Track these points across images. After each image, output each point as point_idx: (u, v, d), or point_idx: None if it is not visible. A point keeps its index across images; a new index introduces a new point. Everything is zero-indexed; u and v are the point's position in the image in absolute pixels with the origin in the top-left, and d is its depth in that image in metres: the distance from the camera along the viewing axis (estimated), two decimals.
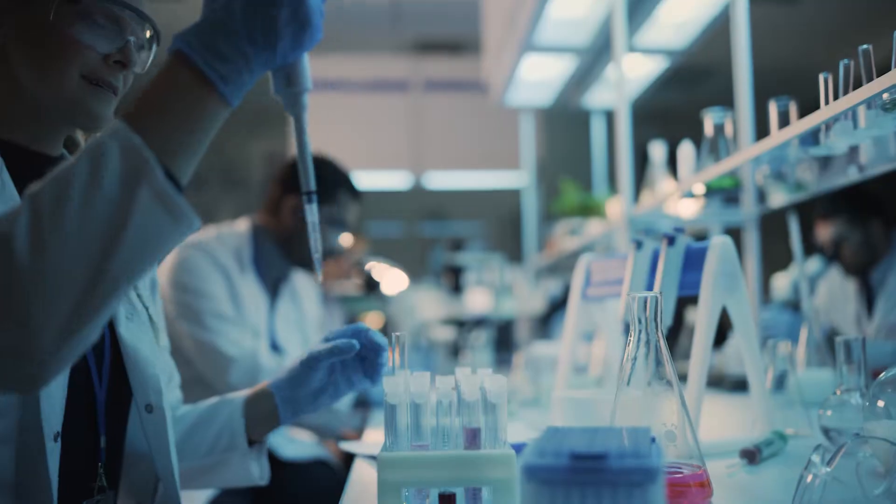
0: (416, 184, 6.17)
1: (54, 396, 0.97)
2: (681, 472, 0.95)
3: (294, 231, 2.27)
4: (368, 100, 6.01)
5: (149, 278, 1.27)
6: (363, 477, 1.26)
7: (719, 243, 1.32)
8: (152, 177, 0.78)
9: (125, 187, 0.77)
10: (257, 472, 1.27)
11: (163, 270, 2.15)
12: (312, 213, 0.95)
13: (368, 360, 1.20)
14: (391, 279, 3.96)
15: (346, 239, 2.39)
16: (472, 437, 0.88)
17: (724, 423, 1.75)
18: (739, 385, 2.39)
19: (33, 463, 0.95)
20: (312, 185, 0.95)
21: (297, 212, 2.27)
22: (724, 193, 2.32)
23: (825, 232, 3.08)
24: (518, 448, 1.26)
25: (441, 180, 6.29)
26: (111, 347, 1.12)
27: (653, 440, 0.79)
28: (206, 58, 0.80)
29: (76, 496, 1.06)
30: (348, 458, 2.56)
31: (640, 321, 0.98)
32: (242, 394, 1.27)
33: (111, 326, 1.12)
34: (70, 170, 0.77)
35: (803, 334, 2.05)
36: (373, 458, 1.34)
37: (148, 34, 1.08)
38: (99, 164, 0.77)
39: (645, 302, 0.97)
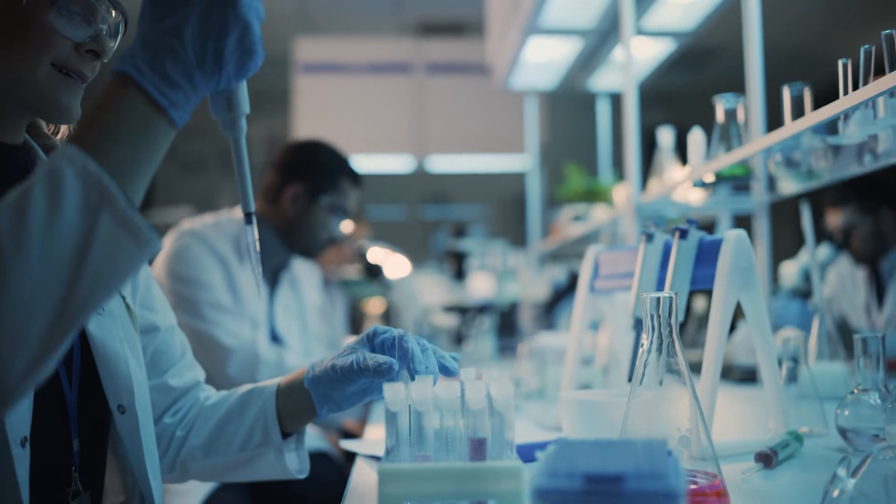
0: (419, 167, 6.11)
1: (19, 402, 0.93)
2: (696, 482, 0.91)
3: (294, 219, 2.23)
4: (371, 83, 5.94)
5: None
6: (364, 478, 1.22)
7: (734, 237, 1.27)
8: (114, 203, 0.77)
9: (86, 214, 0.76)
10: (296, 466, 1.19)
11: (159, 259, 2.11)
12: (251, 234, 0.95)
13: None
14: (393, 265, 3.92)
15: (346, 226, 2.34)
16: (478, 448, 0.83)
17: (734, 418, 1.71)
18: (748, 376, 2.35)
19: (1, 469, 0.91)
20: (251, 207, 0.95)
21: (297, 200, 2.22)
22: (734, 181, 2.26)
23: (835, 220, 3.02)
24: (524, 450, 1.22)
25: (444, 164, 6.22)
26: (81, 347, 1.08)
27: (669, 453, 0.74)
28: (157, 85, 0.80)
29: (50, 501, 1.02)
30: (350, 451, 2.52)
31: (653, 321, 0.93)
32: (274, 382, 1.19)
33: None
34: (26, 197, 0.75)
35: (815, 326, 2.00)
36: (374, 457, 1.30)
37: (117, 21, 1.03)
38: (57, 191, 0.75)
39: (659, 302, 0.92)
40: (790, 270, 3.31)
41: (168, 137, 0.83)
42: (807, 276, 3.26)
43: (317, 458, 2.30)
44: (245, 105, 0.90)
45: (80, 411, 1.07)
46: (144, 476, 1.11)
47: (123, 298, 1.15)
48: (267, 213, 2.25)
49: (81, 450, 1.07)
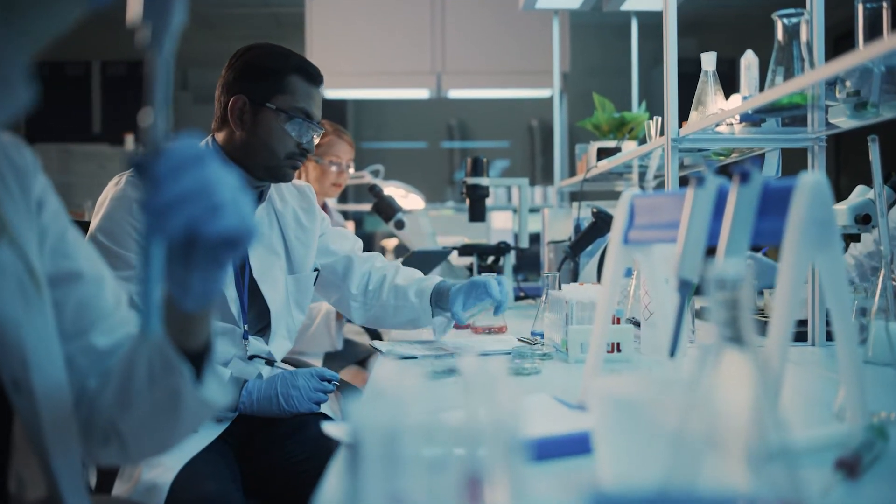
0: (438, 94, 5.81)
1: None
2: None
3: (248, 138, 1.91)
4: (388, 3, 5.64)
5: (31, 208, 0.98)
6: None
7: (810, 183, 1.01)
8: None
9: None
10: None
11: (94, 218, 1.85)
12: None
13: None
14: (406, 204, 3.68)
15: (314, 134, 2.00)
16: (474, 491, 0.59)
17: (792, 394, 1.46)
18: (797, 333, 2.10)
19: None
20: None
21: (244, 114, 1.91)
22: (787, 112, 1.97)
23: (892, 157, 2.74)
24: (541, 446, 0.99)
25: (465, 92, 5.93)
26: None
27: None
28: None
29: None
30: None
31: (719, 305, 0.69)
32: None
33: None
34: None
35: (880, 278, 1.75)
36: None
37: None
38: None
39: (727, 282, 0.67)
40: (839, 210, 3.03)
41: None
42: (856, 219, 2.98)
43: (314, 418, 2.09)
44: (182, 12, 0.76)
45: None
46: (47, 462, 0.91)
47: (27, 256, 0.92)
48: (221, 142, 1.95)
49: None
